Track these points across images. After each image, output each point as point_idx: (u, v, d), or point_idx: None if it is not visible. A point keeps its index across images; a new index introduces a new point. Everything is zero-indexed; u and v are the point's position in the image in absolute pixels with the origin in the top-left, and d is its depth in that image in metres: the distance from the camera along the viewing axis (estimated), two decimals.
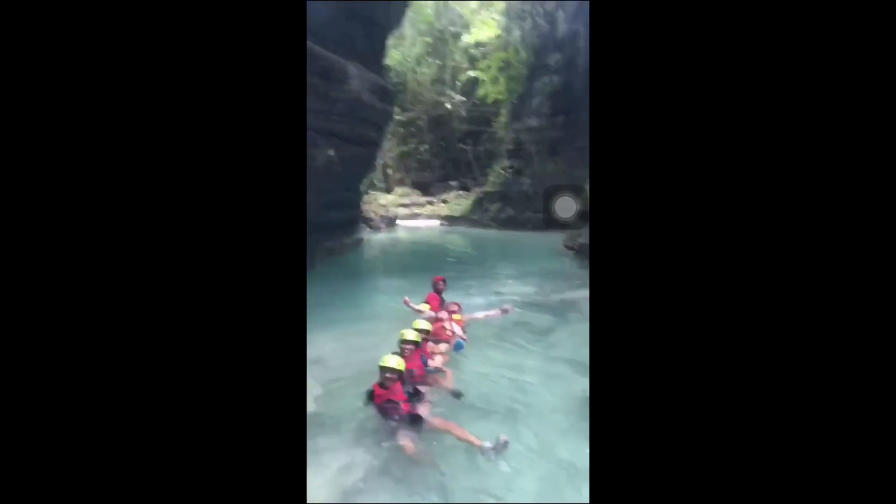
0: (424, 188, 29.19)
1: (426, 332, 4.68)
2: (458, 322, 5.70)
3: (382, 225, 22.17)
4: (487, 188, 23.99)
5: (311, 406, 3.86)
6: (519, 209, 21.05)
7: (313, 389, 4.16)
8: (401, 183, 30.39)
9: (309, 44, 9.43)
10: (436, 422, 3.58)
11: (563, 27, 20.67)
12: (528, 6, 22.41)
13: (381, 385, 3.57)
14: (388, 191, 29.58)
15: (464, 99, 27.80)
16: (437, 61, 28.55)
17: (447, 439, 3.45)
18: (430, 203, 27.36)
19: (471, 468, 3.20)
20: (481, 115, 27.22)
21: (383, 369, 3.55)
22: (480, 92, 26.45)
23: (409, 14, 18.81)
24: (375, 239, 18.26)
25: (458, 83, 28.19)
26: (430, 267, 10.77)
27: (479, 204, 23.90)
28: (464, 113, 28.02)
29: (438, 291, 6.57)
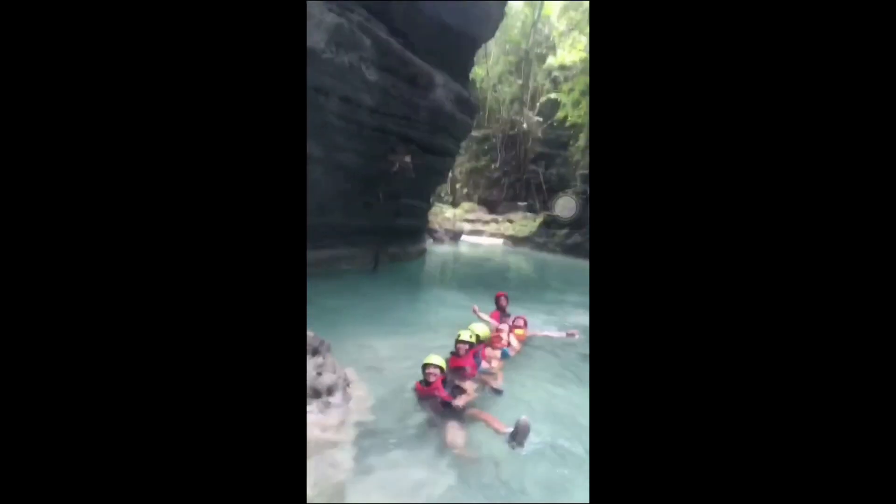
0: (491, 206, 28.91)
1: (478, 336, 4.99)
2: (518, 336, 5.92)
3: (446, 238, 22.09)
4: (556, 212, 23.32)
5: (366, 416, 3.63)
6: (587, 237, 20.21)
7: (368, 399, 3.95)
8: (468, 198, 30.35)
9: (399, 48, 9.55)
10: (472, 412, 3.80)
11: None
12: None
13: (424, 382, 3.87)
14: (455, 205, 29.60)
15: (541, 120, 27.41)
16: (519, 80, 28.43)
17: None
18: (496, 221, 27.01)
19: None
20: (557, 139, 26.69)
21: (426, 366, 3.87)
22: (560, 115, 25.99)
23: (496, 32, 18.78)
24: (438, 251, 18.19)
25: (538, 104, 27.89)
26: (491, 283, 10.45)
27: (545, 227, 23.25)
28: (540, 134, 27.60)
29: (501, 307, 6.61)
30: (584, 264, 16.70)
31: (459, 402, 3.72)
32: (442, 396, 3.73)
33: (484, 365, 4.72)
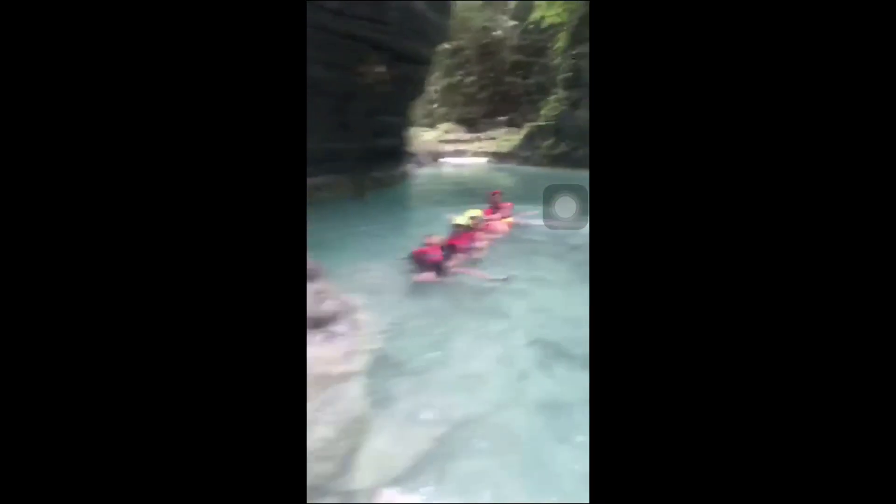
0: (470, 124, 27.77)
1: (479, 218, 6.20)
2: (508, 224, 7.17)
3: (427, 161, 21.24)
4: (539, 122, 22.39)
5: (376, 343, 3.42)
6: (573, 145, 19.49)
7: (376, 325, 3.70)
8: (445, 118, 29.06)
9: None
10: (457, 269, 5.00)
11: None
12: None
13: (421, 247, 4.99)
14: (432, 126, 28.39)
15: (516, 23, 25.63)
16: None
17: None
18: (477, 139, 26.03)
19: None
20: (534, 44, 25.11)
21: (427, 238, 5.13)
22: (535, 15, 24.22)
23: None
24: (421, 173, 17.60)
25: (510, 7, 25.95)
26: (478, 201, 10.19)
27: (529, 140, 22.42)
28: (515, 41, 25.94)
29: (494, 203, 7.46)
30: (570, 174, 16.27)
31: (449, 262, 4.90)
32: (434, 255, 4.79)
33: (475, 244, 5.88)
